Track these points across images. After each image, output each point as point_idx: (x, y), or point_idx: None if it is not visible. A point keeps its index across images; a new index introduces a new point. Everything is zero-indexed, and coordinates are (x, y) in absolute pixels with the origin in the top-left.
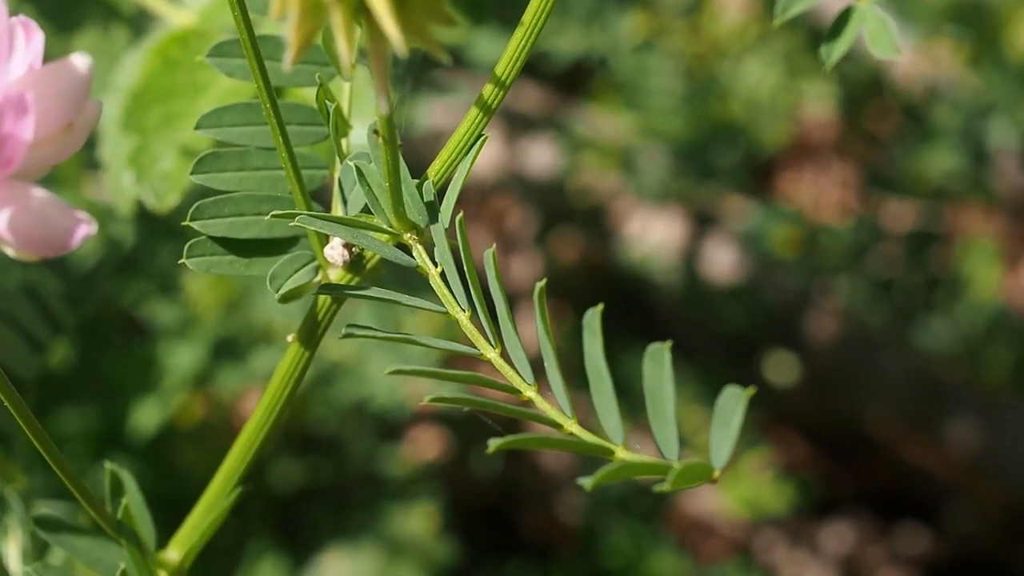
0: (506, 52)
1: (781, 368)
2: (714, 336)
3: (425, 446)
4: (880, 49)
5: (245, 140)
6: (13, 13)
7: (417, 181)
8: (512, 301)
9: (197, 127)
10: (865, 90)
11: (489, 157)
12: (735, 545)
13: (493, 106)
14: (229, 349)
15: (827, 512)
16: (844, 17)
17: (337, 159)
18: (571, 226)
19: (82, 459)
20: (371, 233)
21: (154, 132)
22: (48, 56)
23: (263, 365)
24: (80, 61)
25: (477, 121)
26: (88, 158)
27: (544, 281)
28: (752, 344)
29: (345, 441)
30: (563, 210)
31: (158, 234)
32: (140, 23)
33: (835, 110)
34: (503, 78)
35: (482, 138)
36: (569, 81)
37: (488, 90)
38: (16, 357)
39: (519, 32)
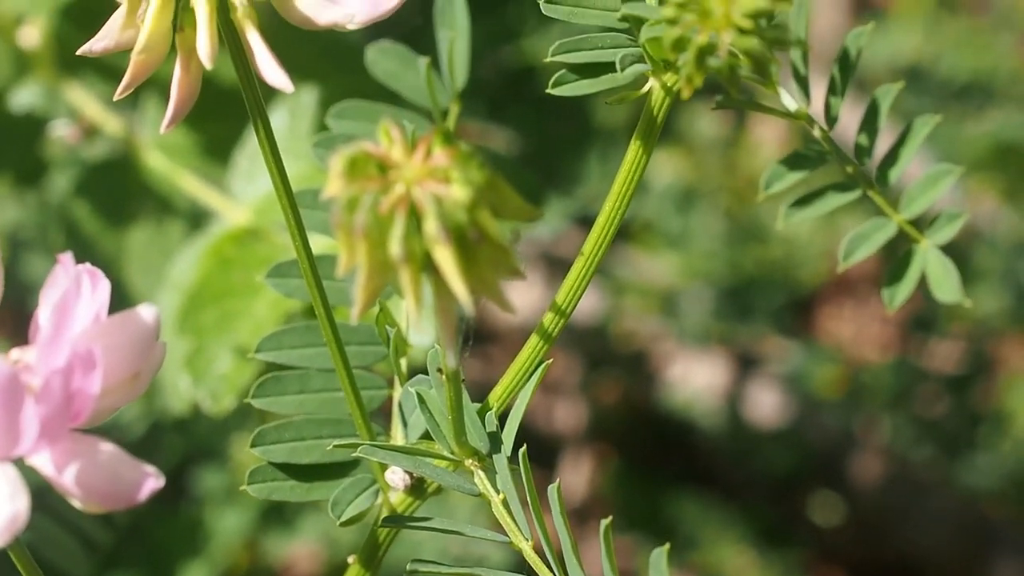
0: (567, 281)
1: (826, 508)
2: (758, 477)
3: None
4: (943, 293)
5: (305, 362)
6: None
7: (479, 407)
8: (557, 448)
9: (257, 351)
10: None
11: (531, 301)
12: None
13: (553, 334)
14: (277, 514)
15: None
16: (905, 260)
17: (397, 379)
18: (614, 369)
19: None
20: (432, 460)
21: (210, 333)
22: (103, 252)
23: (312, 529)
24: (146, 312)
25: (537, 348)
26: None
27: (610, 519)
28: (796, 484)
29: None
30: (606, 354)
31: None
32: (195, 216)
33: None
34: (563, 307)
35: (543, 365)
36: None
37: (548, 319)
38: (69, 556)
39: (579, 262)
